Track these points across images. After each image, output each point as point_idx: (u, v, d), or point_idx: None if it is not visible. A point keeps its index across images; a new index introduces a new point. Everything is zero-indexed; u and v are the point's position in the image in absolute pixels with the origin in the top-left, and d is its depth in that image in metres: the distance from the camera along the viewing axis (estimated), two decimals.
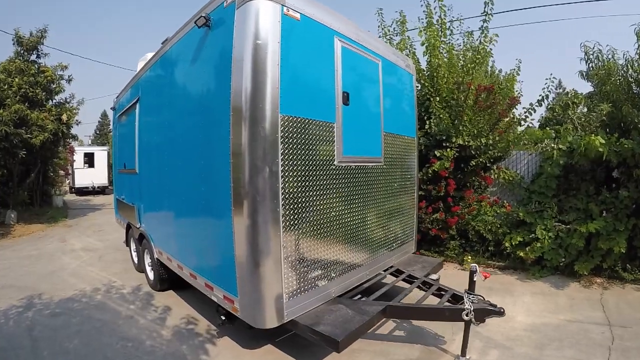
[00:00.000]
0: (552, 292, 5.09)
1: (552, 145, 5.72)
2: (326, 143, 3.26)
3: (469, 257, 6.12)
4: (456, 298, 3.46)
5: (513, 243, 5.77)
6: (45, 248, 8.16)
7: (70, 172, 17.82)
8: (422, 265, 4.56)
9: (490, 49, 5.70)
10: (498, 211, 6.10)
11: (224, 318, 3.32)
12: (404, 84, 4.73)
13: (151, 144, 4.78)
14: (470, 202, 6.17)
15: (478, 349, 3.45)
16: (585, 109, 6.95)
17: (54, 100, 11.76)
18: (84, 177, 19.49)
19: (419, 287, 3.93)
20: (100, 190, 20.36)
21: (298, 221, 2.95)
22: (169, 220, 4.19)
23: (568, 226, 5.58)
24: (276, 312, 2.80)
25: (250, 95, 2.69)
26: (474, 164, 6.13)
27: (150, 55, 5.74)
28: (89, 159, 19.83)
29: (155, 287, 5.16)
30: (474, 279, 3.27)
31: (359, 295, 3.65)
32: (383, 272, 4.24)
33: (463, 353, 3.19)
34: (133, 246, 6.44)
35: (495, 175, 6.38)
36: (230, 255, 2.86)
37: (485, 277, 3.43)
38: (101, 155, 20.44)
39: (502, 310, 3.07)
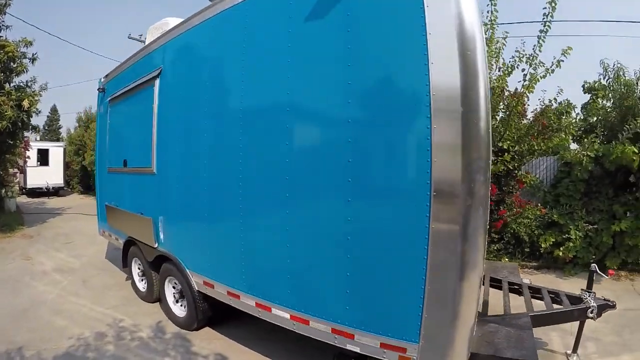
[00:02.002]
0: (594, 286, 4.86)
1: (583, 152, 5.34)
2: None
3: (506, 259, 5.56)
4: (569, 297, 3.12)
5: (548, 244, 5.36)
6: (6, 269, 5.58)
7: (22, 170, 13.75)
8: (507, 270, 3.79)
9: (562, 61, 5.07)
10: (535, 214, 5.61)
11: None
12: None
13: (193, 136, 3.14)
14: (515, 205, 5.63)
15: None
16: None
17: (14, 83, 8.35)
18: (38, 176, 15.24)
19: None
20: (54, 192, 16.29)
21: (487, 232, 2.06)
22: (240, 242, 2.67)
23: (595, 226, 5.33)
24: (467, 349, 1.93)
25: (468, 66, 1.74)
26: (511, 167, 5.56)
27: (172, 21, 3.96)
28: (43, 156, 15.56)
29: (191, 326, 3.51)
30: (593, 278, 3.02)
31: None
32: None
33: (575, 349, 3.07)
34: (137, 270, 4.54)
35: (524, 179, 5.91)
36: (414, 287, 1.85)
37: (611, 275, 3.51)
38: (56, 152, 16.26)
39: (614, 303, 2.90)
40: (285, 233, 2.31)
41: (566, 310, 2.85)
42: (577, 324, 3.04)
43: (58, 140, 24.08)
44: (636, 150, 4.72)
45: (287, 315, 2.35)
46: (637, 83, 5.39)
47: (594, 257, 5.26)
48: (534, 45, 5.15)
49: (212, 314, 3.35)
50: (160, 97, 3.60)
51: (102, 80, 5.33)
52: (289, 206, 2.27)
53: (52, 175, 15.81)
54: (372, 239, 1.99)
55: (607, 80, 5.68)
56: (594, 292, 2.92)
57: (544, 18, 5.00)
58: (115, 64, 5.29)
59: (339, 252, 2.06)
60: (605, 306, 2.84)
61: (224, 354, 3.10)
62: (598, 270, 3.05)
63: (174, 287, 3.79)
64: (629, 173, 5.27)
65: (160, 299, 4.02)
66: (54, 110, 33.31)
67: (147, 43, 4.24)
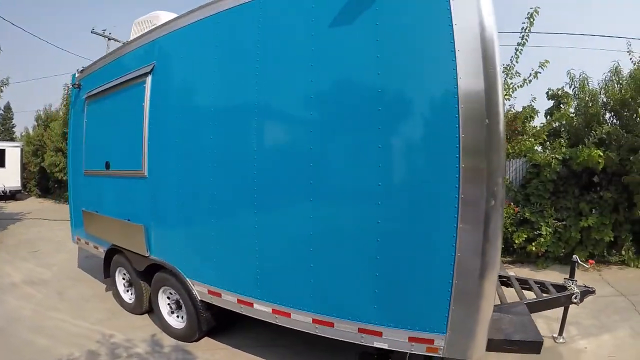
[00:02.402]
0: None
1: (552, 155, 5.77)
2: None
3: None
4: (554, 286, 3.38)
5: (521, 239, 5.74)
6: None
7: None
8: None
9: (540, 72, 5.38)
10: (508, 212, 5.96)
11: None
12: None
13: (197, 137, 2.96)
14: None
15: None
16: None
17: None
18: None
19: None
20: (11, 195, 14.68)
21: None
22: (254, 248, 2.57)
23: (563, 222, 5.76)
24: (486, 336, 2.09)
25: (491, 76, 1.86)
26: None
27: (163, 15, 3.74)
28: None
29: (191, 337, 3.32)
30: (576, 268, 3.34)
31: None
32: None
33: (561, 332, 3.31)
34: (122, 280, 4.21)
35: None
36: (442, 286, 1.98)
37: (591, 264, 3.95)
38: (13, 153, 14.61)
39: (594, 289, 3.23)
40: (309, 237, 2.28)
41: (555, 297, 3.13)
42: (559, 310, 3.29)
43: (12, 140, 21.80)
44: (601, 154, 5.21)
45: (309, 319, 2.32)
46: (600, 92, 5.94)
47: (563, 250, 5.71)
48: (511, 57, 5.46)
49: (216, 323, 3.18)
50: (152, 94, 3.35)
51: (77, 75, 4.88)
52: (313, 211, 2.24)
53: (8, 177, 14.30)
54: (402, 240, 2.05)
55: (572, 89, 6.16)
56: (576, 280, 3.23)
57: (522, 32, 5.33)
58: (80, 60, 4.89)
59: (369, 254, 2.09)
60: (587, 292, 3.16)
61: None
62: (579, 261, 3.39)
63: (168, 298, 3.56)
64: (593, 174, 5.80)
65: (152, 310, 3.77)
66: (7, 108, 30.18)
67: (132, 37, 3.93)
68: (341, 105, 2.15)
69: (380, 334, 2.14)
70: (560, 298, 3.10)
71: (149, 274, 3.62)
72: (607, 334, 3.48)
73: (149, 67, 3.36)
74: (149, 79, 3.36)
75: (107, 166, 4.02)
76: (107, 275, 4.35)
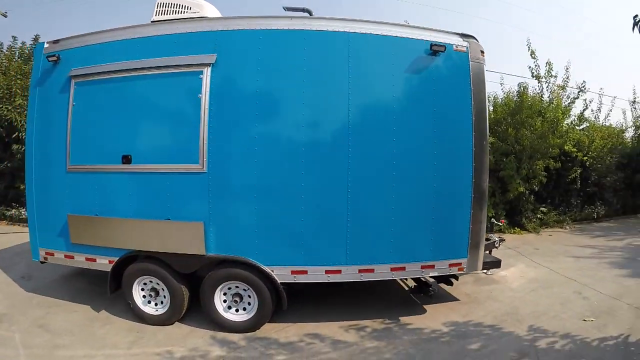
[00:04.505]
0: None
1: None
2: None
3: None
4: None
5: None
6: None
7: None
8: None
9: None
10: None
11: (432, 288, 3.90)
12: None
13: (283, 138, 3.63)
14: None
15: None
16: None
17: None
18: None
19: None
20: None
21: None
22: (345, 224, 3.64)
23: None
24: (482, 258, 4.03)
25: (484, 117, 3.86)
26: None
27: (207, 5, 4.02)
28: None
29: (258, 325, 3.80)
30: (494, 227, 5.96)
31: None
32: None
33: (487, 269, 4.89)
34: (141, 290, 3.99)
35: None
36: (465, 230, 3.79)
37: (502, 223, 6.42)
38: None
39: (504, 239, 5.33)
40: (392, 209, 3.70)
41: (487, 243, 4.78)
42: None
43: None
44: (489, 157, 8.24)
45: (388, 269, 3.72)
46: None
47: None
48: None
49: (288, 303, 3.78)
50: (214, 88, 3.53)
51: (48, 45, 4.10)
52: (395, 191, 3.68)
53: None
54: (446, 203, 3.79)
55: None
56: (494, 234, 5.39)
57: None
58: None
59: (430, 215, 3.76)
60: (501, 240, 5.18)
61: (317, 332, 3.73)
62: (495, 221, 5.79)
63: (224, 294, 3.84)
64: None
65: (189, 311, 3.95)
66: None
67: (155, 18, 3.87)
68: (412, 121, 3.73)
69: (433, 266, 3.77)
70: (490, 244, 5.14)
71: (192, 277, 3.82)
72: (512, 268, 6.03)
73: (207, 57, 3.52)
74: (207, 70, 3.52)
75: (128, 160, 3.75)
76: (118, 287, 3.98)
